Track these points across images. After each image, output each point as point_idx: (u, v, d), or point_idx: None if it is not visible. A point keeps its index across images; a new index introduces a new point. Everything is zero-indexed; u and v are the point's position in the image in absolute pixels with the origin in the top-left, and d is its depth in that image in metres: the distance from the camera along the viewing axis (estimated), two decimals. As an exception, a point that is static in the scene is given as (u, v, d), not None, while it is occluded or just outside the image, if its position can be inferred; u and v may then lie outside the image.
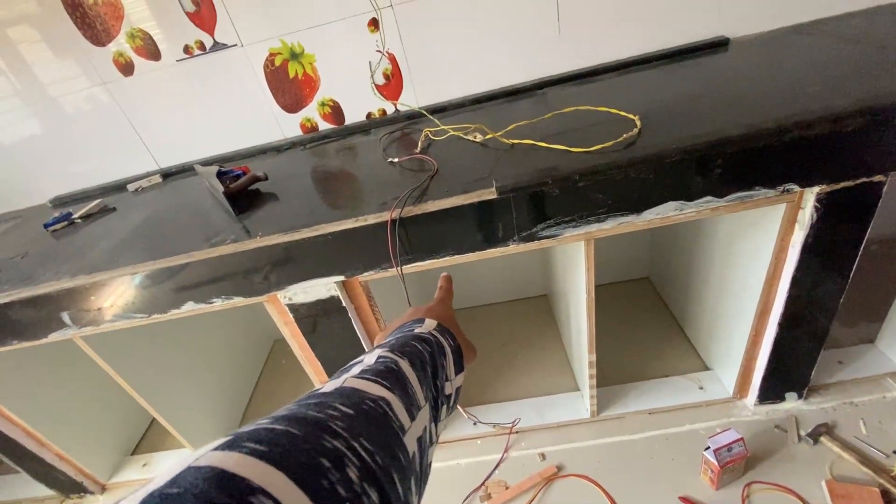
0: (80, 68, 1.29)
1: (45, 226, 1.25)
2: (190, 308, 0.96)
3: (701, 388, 1.26)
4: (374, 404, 0.28)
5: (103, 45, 1.25)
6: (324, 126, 1.41)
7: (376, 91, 1.32)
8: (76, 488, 1.45)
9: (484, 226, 0.86)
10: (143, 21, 1.22)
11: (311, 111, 1.38)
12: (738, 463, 1.03)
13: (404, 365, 0.33)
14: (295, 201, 1.02)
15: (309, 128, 1.42)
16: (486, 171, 0.90)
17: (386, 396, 0.29)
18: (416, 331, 0.40)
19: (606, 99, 1.06)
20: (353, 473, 0.22)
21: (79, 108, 1.36)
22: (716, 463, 1.02)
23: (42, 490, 1.46)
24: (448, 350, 0.40)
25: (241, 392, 1.64)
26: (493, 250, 0.89)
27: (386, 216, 0.84)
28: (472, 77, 1.30)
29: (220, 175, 1.12)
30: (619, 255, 1.66)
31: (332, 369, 1.10)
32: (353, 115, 1.39)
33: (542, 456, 1.24)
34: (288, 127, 1.41)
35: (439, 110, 1.31)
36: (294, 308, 0.97)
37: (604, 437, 1.25)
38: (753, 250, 0.99)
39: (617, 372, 1.38)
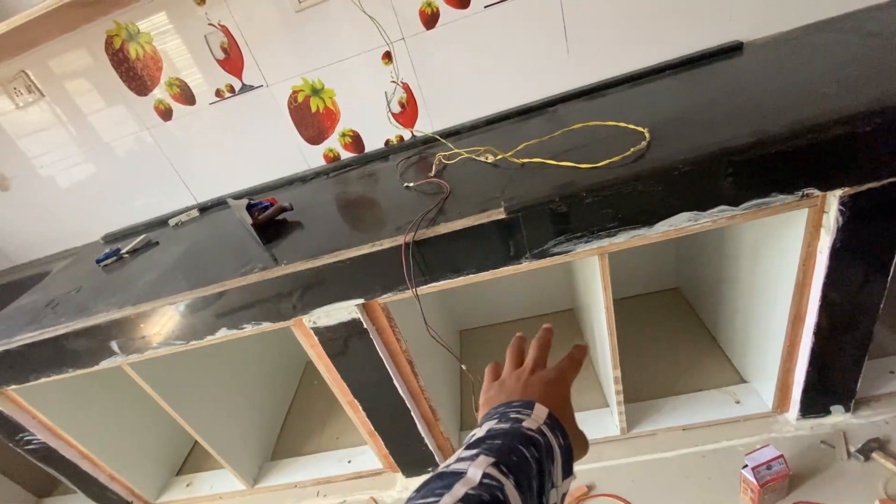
0: (128, 115, 1.41)
1: (97, 261, 1.36)
2: (223, 334, 1.02)
3: (737, 402, 1.21)
4: None
5: (145, 94, 1.37)
6: (345, 155, 1.48)
7: (392, 119, 1.37)
8: (127, 508, 1.53)
9: (496, 245, 0.88)
10: (180, 70, 1.33)
11: (333, 142, 1.45)
12: (780, 482, 0.98)
13: (509, 489, 0.29)
14: (318, 228, 1.08)
15: (332, 157, 1.49)
16: (497, 191, 0.92)
17: None
18: (524, 425, 0.35)
19: (616, 113, 1.06)
20: None
21: (127, 150, 1.49)
22: (755, 482, 0.97)
23: (97, 509, 1.56)
24: (557, 453, 0.35)
25: (276, 413, 1.70)
26: (506, 268, 0.91)
27: (400, 240, 0.87)
28: (483, 100, 1.33)
29: (249, 207, 1.20)
30: (646, 265, 1.62)
31: (357, 390, 1.13)
32: (372, 143, 1.45)
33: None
34: (312, 158, 1.49)
35: (454, 133, 1.35)
36: (319, 331, 1.01)
37: (636, 456, 1.21)
38: (780, 257, 0.96)
39: (648, 387, 1.34)
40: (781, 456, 0.97)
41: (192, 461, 1.70)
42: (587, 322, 1.37)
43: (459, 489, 0.29)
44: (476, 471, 0.30)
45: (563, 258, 0.89)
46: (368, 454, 1.41)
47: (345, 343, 1.03)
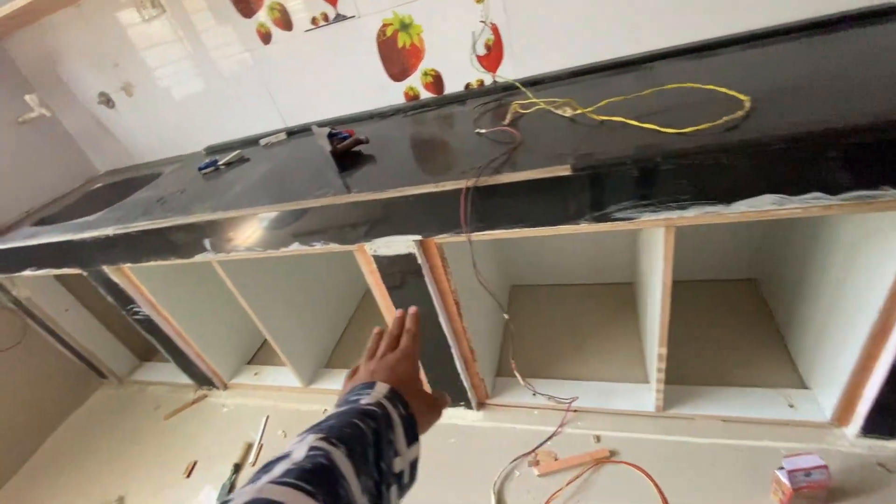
0: (234, 35, 1.51)
1: (199, 169, 1.53)
2: (295, 248, 1.13)
3: (791, 405, 1.14)
4: None
5: (250, 16, 1.45)
6: (425, 95, 1.48)
7: (476, 62, 1.35)
8: (207, 382, 1.81)
9: (557, 202, 0.87)
10: (282, -5, 1.39)
11: (415, 80, 1.46)
12: (817, 491, 0.94)
13: (338, 456, 0.31)
14: (390, 163, 1.13)
15: (411, 96, 1.50)
16: (569, 147, 0.90)
17: None
18: (361, 402, 0.38)
19: (720, 76, 0.97)
20: None
21: (230, 70, 1.61)
22: (788, 485, 0.93)
23: (184, 379, 1.86)
24: (397, 421, 0.38)
25: (335, 327, 1.87)
26: (563, 227, 0.90)
27: (461, 184, 0.89)
28: (574, 49, 1.26)
29: (330, 136, 1.27)
30: (720, 250, 1.51)
31: (405, 319, 1.21)
32: (452, 86, 1.44)
33: (597, 438, 1.24)
34: (393, 94, 1.52)
35: (536, 83, 1.30)
36: (378, 259, 1.09)
37: (667, 435, 1.20)
38: (878, 261, 0.85)
39: (696, 372, 1.30)
40: (825, 466, 0.92)
41: (260, 354, 1.95)
42: (643, 297, 1.33)
43: (280, 468, 0.29)
44: (302, 449, 0.31)
45: (625, 225, 0.87)
46: (409, 380, 1.53)
47: (399, 274, 1.10)
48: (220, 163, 1.54)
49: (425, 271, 1.08)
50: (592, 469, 1.18)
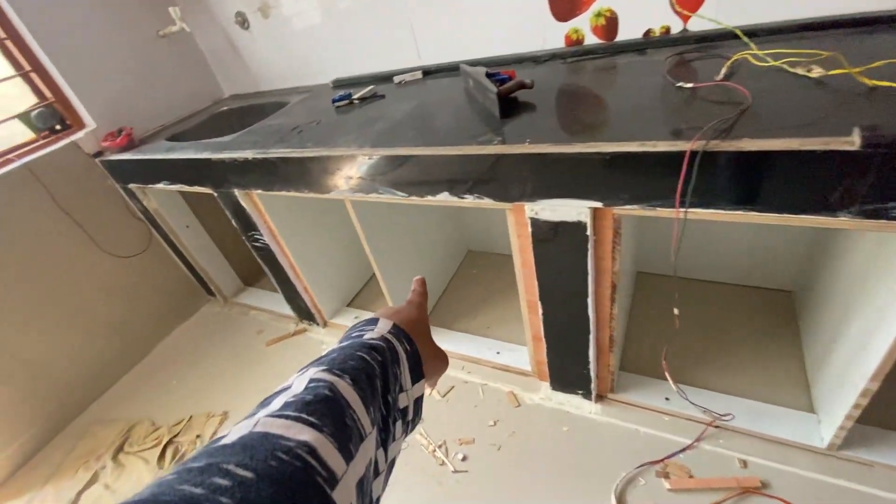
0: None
1: (333, 101, 1.46)
2: (443, 199, 1.03)
3: None
4: (290, 456, 0.22)
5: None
6: (591, 40, 1.28)
7: (675, 3, 1.12)
8: (309, 317, 1.83)
9: (814, 184, 0.68)
10: None
11: (583, 21, 1.26)
12: None
13: (342, 386, 0.28)
14: (556, 114, 0.97)
15: (574, 40, 1.31)
16: (818, 115, 0.70)
17: (309, 441, 0.23)
18: (365, 337, 0.35)
19: None
20: None
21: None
22: None
23: (285, 310, 1.90)
24: (402, 356, 0.35)
25: (436, 285, 1.80)
26: (809, 217, 0.71)
27: (684, 146, 0.72)
28: (814, -6, 1.00)
29: (487, 77, 1.13)
30: None
31: (547, 293, 1.09)
32: (628, 32, 1.23)
33: (744, 463, 1.08)
34: (552, 37, 1.33)
35: (749, 34, 1.06)
36: (536, 223, 0.96)
37: (836, 478, 1.02)
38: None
39: (883, 414, 1.08)
40: None
41: (358, 299, 1.94)
42: (822, 310, 1.10)
43: (278, 402, 0.26)
44: (302, 381, 0.28)
45: (902, 226, 0.66)
46: (520, 354, 1.44)
47: (557, 244, 0.97)
48: (355, 97, 1.46)
49: (590, 244, 0.94)
50: (737, 498, 1.02)
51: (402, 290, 1.58)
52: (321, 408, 0.25)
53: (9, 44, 1.54)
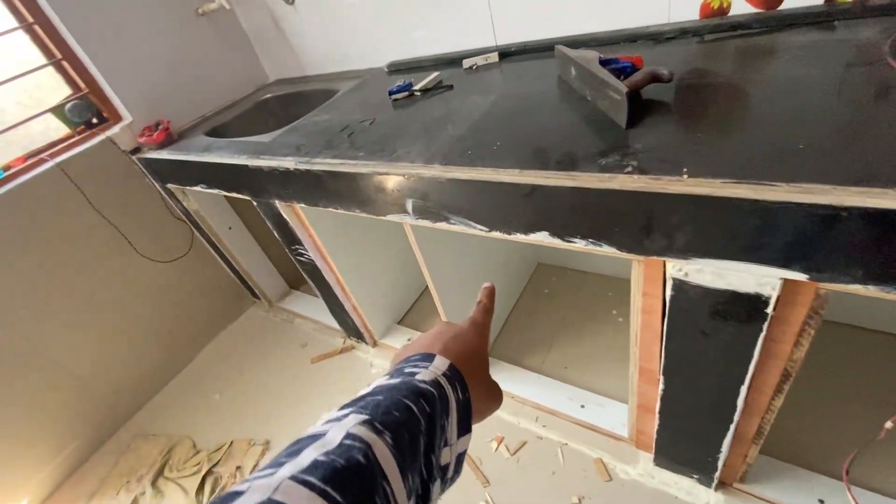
0: None
1: (390, 93, 1.20)
2: (541, 239, 0.76)
3: None
4: None
5: None
6: (742, 10, 0.93)
7: (901, -51, 0.75)
8: (357, 335, 1.64)
9: None
10: None
11: (732, -17, 0.91)
12: None
13: (380, 449, 0.24)
14: (714, 124, 0.66)
15: (714, 10, 0.96)
16: None
17: None
18: (417, 377, 0.30)
19: None
20: None
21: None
22: None
23: (334, 322, 1.71)
24: (453, 405, 0.30)
25: (500, 308, 1.54)
26: None
27: None
28: None
29: (602, 65, 0.82)
30: None
31: (675, 369, 0.80)
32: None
33: None
34: (681, 6, 0.99)
35: None
36: (682, 286, 0.67)
37: None
38: None
39: None
40: None
41: (410, 315, 1.73)
42: None
43: (307, 456, 0.23)
44: (338, 432, 0.24)
45: None
46: (612, 412, 1.17)
47: (710, 315, 0.67)
48: (416, 87, 1.19)
49: (765, 325, 0.64)
50: None
51: (461, 312, 1.33)
52: (350, 478, 0.22)
53: (38, 29, 1.38)
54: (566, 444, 1.18)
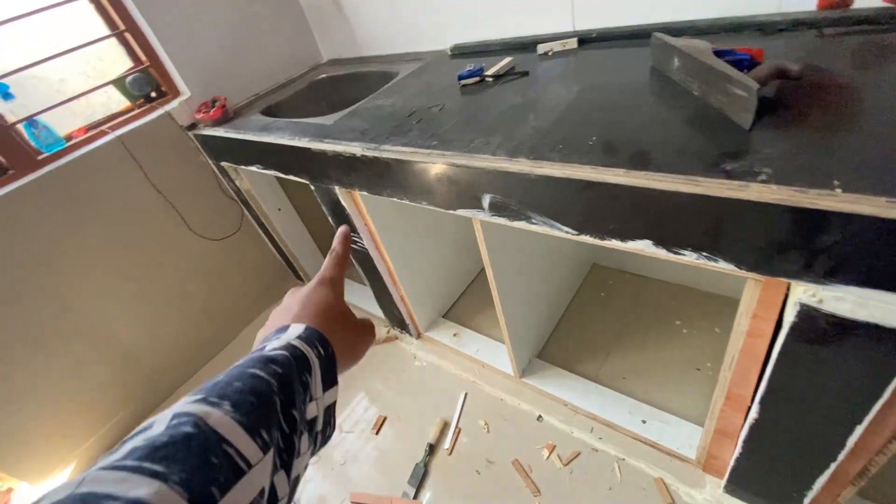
0: None
1: (459, 77, 1.13)
2: (642, 247, 0.69)
3: None
4: None
5: None
6: (866, 3, 0.82)
7: None
8: (402, 325, 1.61)
9: None
10: None
11: (866, -32, 0.80)
12: None
13: (215, 417, 0.23)
14: (860, 129, 0.57)
15: (836, 1, 0.85)
16: None
17: (143, 497, 0.18)
18: (266, 349, 0.30)
19: None
20: None
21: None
22: None
23: (376, 310, 1.69)
24: (315, 363, 0.31)
25: (553, 309, 1.48)
26: None
27: None
28: None
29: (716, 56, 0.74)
30: None
31: (774, 400, 0.73)
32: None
33: None
34: (796, -6, 0.89)
35: None
36: (810, 313, 0.59)
37: None
38: None
39: None
40: None
41: (454, 311, 1.68)
42: None
43: (126, 448, 0.21)
44: (164, 418, 0.23)
45: None
46: (678, 431, 1.10)
47: (837, 349, 0.60)
48: (487, 73, 1.12)
49: (905, 368, 0.56)
50: None
51: (520, 324, 1.28)
52: (175, 451, 0.21)
53: (103, 0, 1.37)
54: (624, 459, 1.12)
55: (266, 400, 0.26)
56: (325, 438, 0.32)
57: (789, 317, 0.61)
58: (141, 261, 1.56)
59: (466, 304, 1.70)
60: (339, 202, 1.23)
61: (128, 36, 1.43)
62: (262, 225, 1.81)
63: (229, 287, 1.83)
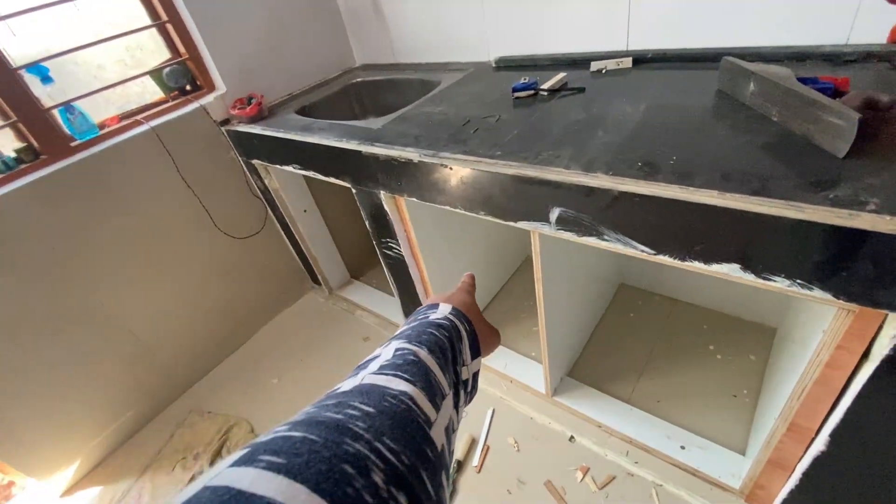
0: None
1: (513, 89, 1.13)
2: (726, 271, 0.67)
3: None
4: (396, 400, 0.26)
5: None
6: (945, 36, 0.83)
7: None
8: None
9: None
10: None
11: (941, 5, 0.81)
12: None
13: (423, 354, 0.31)
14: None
15: (907, 34, 0.86)
16: None
17: (408, 390, 0.27)
18: (430, 317, 0.37)
19: None
20: (378, 477, 0.20)
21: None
22: None
23: (396, 317, 1.66)
24: (464, 334, 0.37)
25: (584, 325, 1.46)
26: None
27: None
28: None
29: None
30: None
31: (848, 433, 0.71)
32: None
33: None
34: (867, 25, 0.89)
35: None
36: (906, 347, 0.58)
37: None
38: None
39: None
40: None
41: (480, 322, 1.66)
42: None
43: (373, 365, 0.30)
44: (388, 350, 0.32)
45: None
46: (718, 458, 1.08)
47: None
48: (543, 86, 1.11)
49: None
50: None
51: (557, 340, 1.26)
52: (411, 368, 0.29)
53: (147, -11, 1.36)
54: (661, 485, 1.10)
55: (444, 352, 0.33)
56: (471, 398, 0.37)
57: (883, 349, 0.60)
58: (164, 254, 1.52)
59: (491, 317, 1.67)
60: (381, 207, 1.21)
61: (169, 27, 1.41)
62: (285, 226, 1.78)
63: (247, 287, 1.79)
